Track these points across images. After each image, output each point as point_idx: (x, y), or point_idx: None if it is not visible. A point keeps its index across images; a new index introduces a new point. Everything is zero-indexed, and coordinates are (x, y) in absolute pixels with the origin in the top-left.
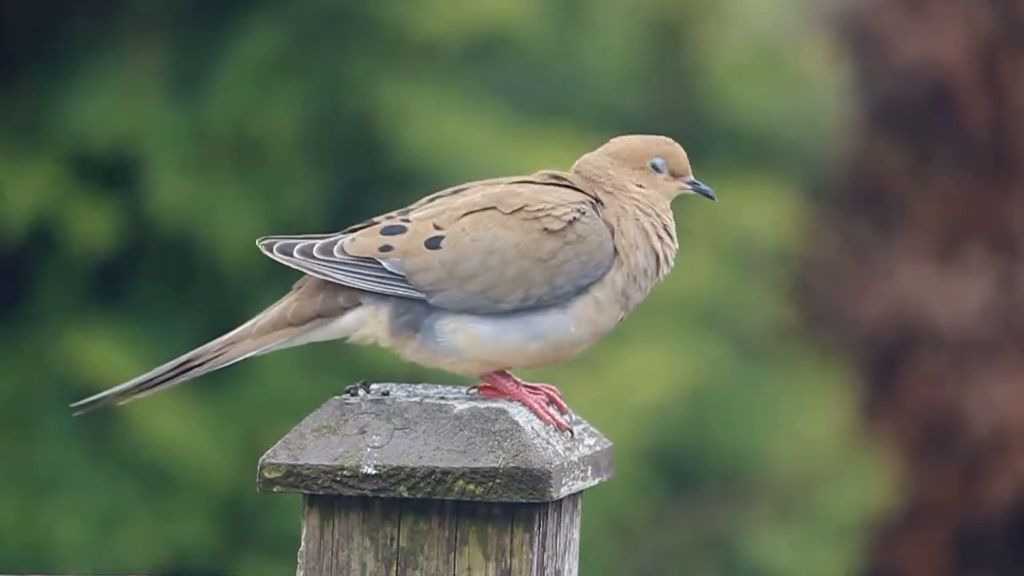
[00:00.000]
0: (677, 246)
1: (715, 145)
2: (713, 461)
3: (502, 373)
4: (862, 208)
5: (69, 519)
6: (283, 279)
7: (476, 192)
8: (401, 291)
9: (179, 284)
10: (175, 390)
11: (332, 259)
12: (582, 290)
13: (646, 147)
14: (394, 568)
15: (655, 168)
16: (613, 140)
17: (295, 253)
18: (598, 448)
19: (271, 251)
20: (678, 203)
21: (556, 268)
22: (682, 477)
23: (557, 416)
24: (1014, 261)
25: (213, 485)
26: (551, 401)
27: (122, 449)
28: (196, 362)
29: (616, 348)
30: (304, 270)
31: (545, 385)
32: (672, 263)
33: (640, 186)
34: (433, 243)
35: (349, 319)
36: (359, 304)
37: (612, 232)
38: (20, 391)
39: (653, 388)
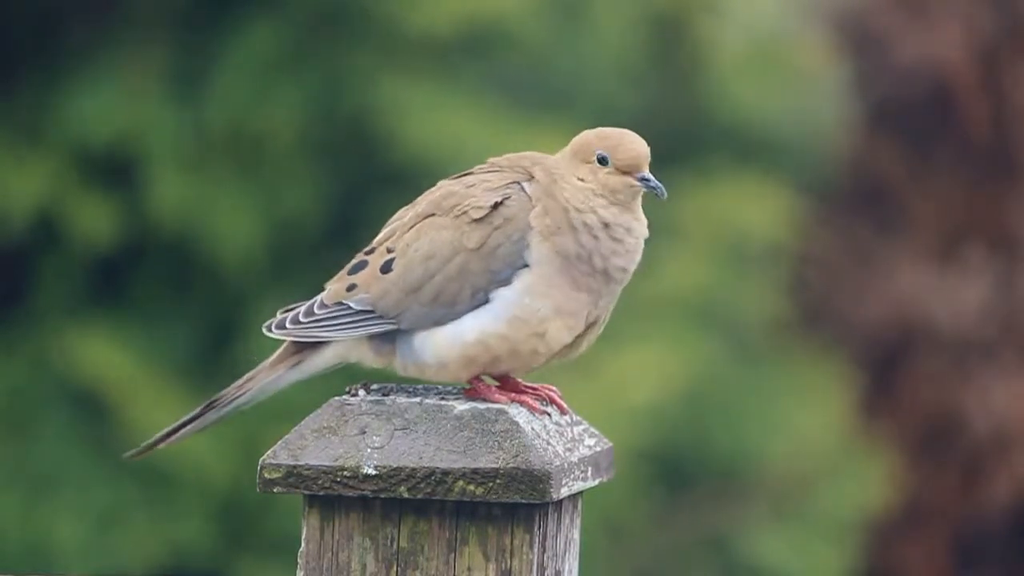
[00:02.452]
0: (630, 240)
1: (713, 142)
2: (710, 460)
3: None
4: (862, 208)
5: (68, 519)
6: (284, 280)
7: (423, 201)
8: (374, 327)
9: (179, 283)
10: (174, 387)
11: (313, 315)
12: (523, 267)
13: (596, 140)
14: (394, 568)
15: (600, 161)
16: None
17: (287, 324)
18: (598, 449)
19: (271, 329)
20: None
21: (490, 254)
22: (679, 476)
23: (531, 400)
24: (1014, 262)
25: (212, 485)
26: (551, 401)
27: (121, 449)
28: (221, 401)
29: (612, 347)
30: (291, 338)
31: (545, 386)
32: (626, 260)
33: (581, 179)
34: (386, 267)
35: (338, 347)
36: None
37: (535, 208)
38: (19, 390)
39: (650, 387)
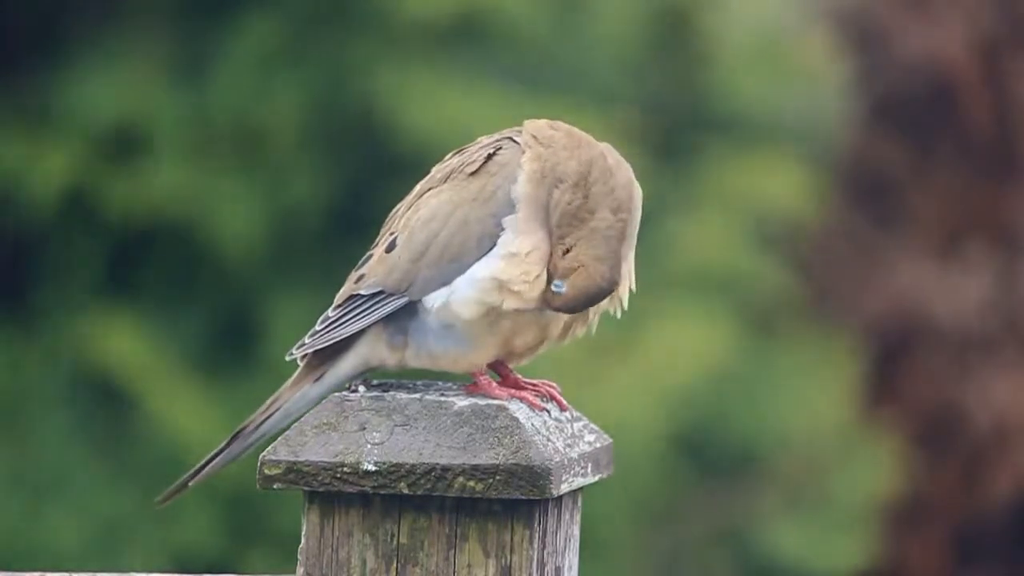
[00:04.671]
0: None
1: (716, 133)
2: (726, 446)
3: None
4: (863, 203)
5: (73, 517)
6: (288, 270)
7: (416, 186)
8: (387, 306)
9: (183, 275)
10: (184, 379)
11: (328, 319)
12: (512, 208)
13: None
14: (394, 565)
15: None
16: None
17: (305, 340)
18: (598, 445)
19: (292, 355)
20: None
21: (490, 198)
22: (699, 462)
23: (531, 396)
24: (1015, 257)
25: (216, 482)
26: (551, 398)
27: (127, 445)
28: (248, 429)
29: (627, 330)
30: (313, 349)
31: (545, 382)
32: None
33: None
34: (391, 247)
35: (361, 345)
36: (362, 332)
37: (525, 152)
38: (27, 381)
39: (667, 372)
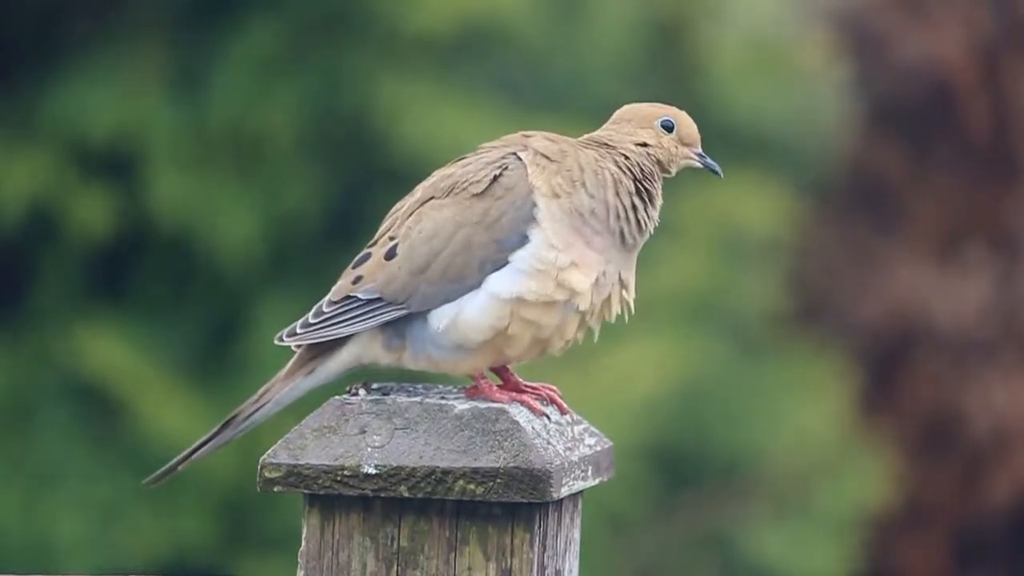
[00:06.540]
0: (652, 212)
1: (713, 142)
2: (711, 457)
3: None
4: (862, 207)
5: (70, 513)
6: (283, 277)
7: (419, 189)
8: (384, 315)
9: (179, 280)
10: (177, 383)
11: (323, 314)
12: (534, 226)
13: (655, 110)
14: (394, 568)
15: (664, 127)
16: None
17: (297, 329)
18: (598, 448)
19: (282, 339)
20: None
21: (494, 224)
22: (680, 473)
23: (531, 400)
24: (1014, 261)
25: (214, 481)
26: (551, 401)
27: (123, 444)
28: (239, 418)
29: (611, 344)
30: (304, 343)
31: (545, 385)
32: (640, 229)
33: (643, 144)
34: (391, 254)
35: (355, 343)
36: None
37: (531, 170)
38: (20, 385)
39: (648, 384)
